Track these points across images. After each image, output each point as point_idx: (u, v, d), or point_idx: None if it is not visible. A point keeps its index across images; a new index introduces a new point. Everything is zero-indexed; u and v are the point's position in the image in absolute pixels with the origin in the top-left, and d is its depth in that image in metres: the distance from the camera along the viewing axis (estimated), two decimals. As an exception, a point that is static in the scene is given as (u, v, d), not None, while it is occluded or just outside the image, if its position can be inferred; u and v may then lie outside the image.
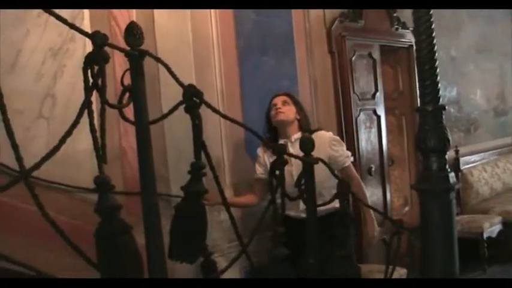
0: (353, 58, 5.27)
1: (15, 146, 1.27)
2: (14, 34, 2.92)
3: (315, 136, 3.61)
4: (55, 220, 1.51)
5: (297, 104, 3.93)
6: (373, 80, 5.56)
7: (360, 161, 5.22)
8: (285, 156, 2.09)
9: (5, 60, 2.88)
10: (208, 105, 1.71)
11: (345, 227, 2.44)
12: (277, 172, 2.01)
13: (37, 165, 1.34)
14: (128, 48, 1.52)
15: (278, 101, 3.87)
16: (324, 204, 2.46)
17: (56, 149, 1.39)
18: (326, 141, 3.81)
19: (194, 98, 1.63)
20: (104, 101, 1.41)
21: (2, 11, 2.76)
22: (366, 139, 5.40)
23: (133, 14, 3.45)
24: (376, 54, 5.62)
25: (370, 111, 5.50)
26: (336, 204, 3.01)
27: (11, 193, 1.40)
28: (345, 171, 3.82)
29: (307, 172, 2.16)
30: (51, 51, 3.02)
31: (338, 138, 3.97)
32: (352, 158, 3.93)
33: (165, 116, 1.71)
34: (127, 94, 1.58)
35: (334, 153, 3.79)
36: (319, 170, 2.38)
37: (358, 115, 5.28)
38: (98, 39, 1.37)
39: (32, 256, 1.72)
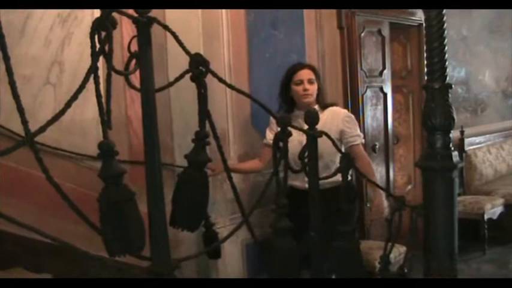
0: (362, 34, 5.24)
1: (21, 110, 1.28)
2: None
3: (331, 110, 3.81)
4: (61, 186, 1.52)
5: (319, 78, 3.87)
6: (381, 58, 5.53)
7: (364, 138, 5.21)
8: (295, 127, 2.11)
9: (15, 25, 2.89)
10: (215, 75, 1.71)
11: (349, 202, 2.45)
12: (280, 144, 2.02)
13: (42, 129, 1.35)
14: (136, 15, 1.52)
15: (304, 77, 3.79)
16: (326, 178, 2.46)
17: (61, 113, 1.40)
18: (340, 116, 3.79)
19: (200, 67, 1.63)
20: (110, 67, 1.42)
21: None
22: (372, 116, 5.40)
23: (143, -17, 3.44)
24: (386, 32, 5.58)
25: (377, 88, 5.49)
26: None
27: (19, 159, 1.42)
28: (353, 149, 3.72)
29: (311, 145, 2.17)
30: (59, 18, 3.02)
31: (353, 116, 3.93)
32: (363, 140, 3.87)
33: (171, 84, 1.72)
34: (134, 61, 1.58)
35: (346, 129, 3.74)
36: (328, 143, 2.41)
37: (365, 92, 5.27)
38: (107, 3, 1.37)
39: (37, 221, 1.74)
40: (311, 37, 4.71)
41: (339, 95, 5.00)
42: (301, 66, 3.87)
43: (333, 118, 3.76)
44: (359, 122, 5.04)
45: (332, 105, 3.89)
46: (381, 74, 5.52)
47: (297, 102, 3.82)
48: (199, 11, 3.73)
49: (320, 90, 3.84)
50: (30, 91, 2.97)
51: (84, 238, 1.84)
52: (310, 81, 3.76)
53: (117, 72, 1.46)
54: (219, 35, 3.93)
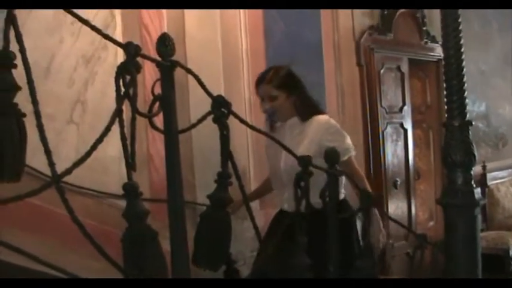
0: (381, 71, 5.27)
1: (48, 152, 1.31)
2: (49, 41, 3.00)
3: (311, 121, 3.27)
4: (83, 224, 1.54)
5: (284, 88, 3.28)
6: (401, 94, 5.56)
7: (385, 174, 5.21)
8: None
9: (40, 66, 2.95)
10: (236, 116, 1.74)
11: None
12: (302, 184, 2.03)
13: (68, 171, 1.37)
14: (159, 58, 1.55)
15: (264, 95, 3.32)
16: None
17: (87, 155, 1.42)
18: (322, 127, 3.25)
19: (222, 109, 1.66)
20: (134, 110, 1.45)
21: (37, 19, 2.84)
22: (392, 152, 5.40)
23: (164, 23, 3.51)
24: (405, 68, 5.61)
25: (397, 124, 5.50)
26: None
27: (42, 196, 1.44)
28: (343, 165, 3.04)
29: (332, 184, 2.17)
30: (83, 59, 3.09)
31: (337, 125, 3.35)
32: (354, 152, 3.32)
33: (193, 126, 1.75)
34: (157, 103, 1.61)
35: (329, 143, 3.03)
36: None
37: (385, 128, 5.28)
38: (131, 49, 1.41)
39: (59, 258, 1.76)
40: (330, 74, 4.75)
41: (359, 131, 5.01)
42: (259, 80, 3.36)
43: (313, 131, 3.24)
44: (379, 158, 5.04)
45: (317, 113, 3.35)
46: (401, 110, 5.54)
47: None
48: (220, 49, 3.79)
49: (295, 99, 3.30)
50: (53, 129, 3.02)
51: (105, 275, 1.86)
52: (270, 98, 3.28)
53: (141, 114, 1.49)
54: (239, 72, 3.98)
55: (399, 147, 5.52)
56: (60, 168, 1.39)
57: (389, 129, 5.35)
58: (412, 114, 5.78)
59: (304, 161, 2.05)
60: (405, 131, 5.59)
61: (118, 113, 1.41)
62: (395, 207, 5.37)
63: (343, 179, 3.04)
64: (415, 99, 6.08)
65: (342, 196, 3.18)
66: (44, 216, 2.90)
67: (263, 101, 3.32)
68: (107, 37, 1.40)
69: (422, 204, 6.19)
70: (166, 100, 1.54)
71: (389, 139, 5.35)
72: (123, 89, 1.44)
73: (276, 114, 3.33)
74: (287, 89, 3.28)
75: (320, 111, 3.40)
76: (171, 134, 1.56)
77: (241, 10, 4.03)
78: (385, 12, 5.42)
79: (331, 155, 2.24)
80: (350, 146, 3.28)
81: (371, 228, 3.15)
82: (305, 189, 2.04)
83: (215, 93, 1.70)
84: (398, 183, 5.44)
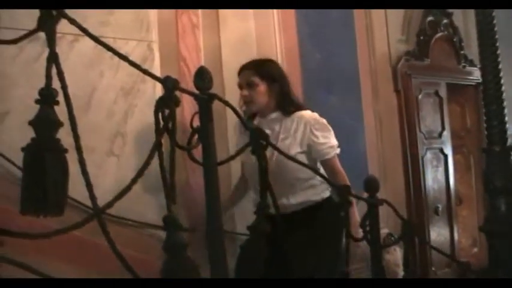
0: (419, 96, 5.24)
1: (89, 186, 1.33)
2: (90, 74, 3.05)
3: (294, 117, 3.06)
4: (123, 254, 1.56)
5: (267, 77, 3.09)
6: (439, 119, 5.51)
7: (426, 201, 5.14)
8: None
9: (81, 99, 3.01)
10: (274, 147, 1.74)
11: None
12: (342, 214, 2.01)
13: (109, 205, 1.40)
14: (197, 91, 1.58)
15: (242, 81, 3.12)
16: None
17: (128, 189, 1.45)
18: (307, 123, 3.04)
19: (260, 140, 1.67)
20: (173, 144, 1.47)
21: (79, 54, 2.91)
22: (433, 178, 5.33)
23: (201, 55, 3.56)
24: (443, 92, 5.57)
25: (437, 149, 5.44)
26: (314, 196, 2.91)
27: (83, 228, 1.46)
28: (326, 164, 3.01)
29: (372, 213, 2.16)
30: (122, 91, 3.13)
31: (323, 121, 3.10)
32: (338, 150, 3.09)
33: (232, 158, 1.76)
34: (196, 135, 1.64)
35: (314, 139, 2.99)
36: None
37: (425, 154, 5.22)
38: (169, 83, 1.43)
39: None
40: (367, 101, 4.73)
41: (398, 158, 4.97)
42: (242, 67, 3.18)
43: (301, 126, 3.04)
44: (419, 184, 4.98)
45: (300, 109, 3.12)
46: (440, 135, 5.48)
47: None
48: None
49: (277, 92, 3.10)
50: (94, 161, 3.06)
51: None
52: (249, 85, 3.08)
53: (181, 147, 1.51)
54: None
55: (439, 173, 5.45)
56: (101, 199, 1.42)
57: (428, 155, 5.29)
58: (452, 139, 5.70)
59: (344, 191, 2.04)
60: (445, 156, 5.52)
61: (157, 146, 1.43)
62: (437, 234, 5.28)
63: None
64: (454, 124, 6.01)
65: (326, 194, 3.06)
66: (83, 246, 2.93)
67: (242, 89, 3.11)
68: (145, 72, 1.43)
69: (465, 230, 6.07)
70: (205, 133, 1.56)
71: (429, 165, 5.29)
72: (162, 123, 1.47)
73: (253, 104, 3.08)
74: (269, 79, 3.09)
75: (303, 107, 3.17)
76: (210, 166, 1.58)
77: (278, 39, 4.06)
78: (421, 38, 5.40)
79: (372, 184, 2.22)
80: (334, 143, 3.08)
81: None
82: (346, 219, 2.03)
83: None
84: (440, 209, 5.36)
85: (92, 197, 1.36)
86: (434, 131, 5.41)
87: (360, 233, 2.71)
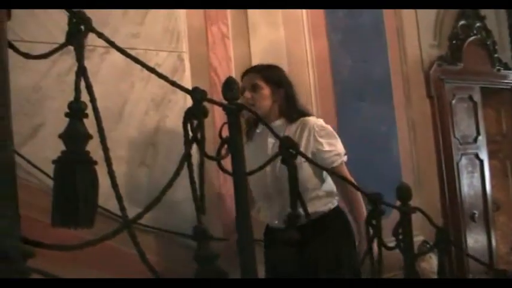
0: (453, 101, 5.17)
1: (119, 198, 1.34)
2: (121, 86, 3.08)
3: (299, 124, 2.95)
4: (153, 263, 1.57)
5: (272, 81, 3.00)
6: (474, 123, 5.43)
7: (462, 207, 5.07)
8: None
9: (112, 111, 3.04)
10: (304, 156, 1.74)
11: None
12: (373, 222, 1.99)
13: (139, 216, 1.40)
14: (226, 102, 1.58)
15: (246, 84, 3.00)
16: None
17: (157, 200, 1.45)
18: (310, 130, 2.90)
19: (290, 150, 1.66)
20: (203, 154, 1.47)
21: (110, 66, 2.94)
22: (468, 184, 5.25)
23: (231, 65, 3.57)
24: (477, 97, 5.49)
25: (472, 155, 5.36)
26: (322, 207, 2.84)
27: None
28: (333, 173, 2.85)
29: (404, 221, 2.13)
30: (153, 102, 3.15)
31: (328, 127, 2.99)
32: (345, 157, 2.97)
33: (261, 168, 1.76)
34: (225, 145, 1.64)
35: (319, 146, 2.86)
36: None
37: (460, 160, 5.15)
38: (197, 94, 1.43)
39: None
40: (400, 107, 4.69)
41: (433, 164, 4.91)
42: (246, 70, 3.11)
43: (306, 133, 2.91)
44: (455, 191, 4.91)
45: (304, 115, 3.00)
46: (475, 140, 5.40)
47: None
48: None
49: (281, 97, 3.00)
50: (126, 172, 3.08)
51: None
52: (253, 88, 2.97)
53: (210, 158, 1.51)
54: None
55: (475, 179, 5.36)
56: (133, 209, 1.43)
57: (464, 161, 5.22)
58: (487, 144, 5.61)
59: (375, 199, 2.02)
60: (481, 161, 5.43)
61: (186, 157, 1.43)
62: (474, 241, 5.19)
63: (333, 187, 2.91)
64: (490, 129, 5.92)
65: (335, 203, 3.00)
66: (114, 254, 2.95)
67: (244, 91, 2.96)
68: (173, 83, 1.43)
69: (503, 237, 5.96)
70: (234, 143, 1.55)
71: (464, 170, 5.21)
72: (191, 134, 1.47)
73: (255, 108, 2.86)
74: (274, 84, 2.99)
75: (308, 113, 3.07)
76: (240, 176, 1.57)
77: (308, 46, 4.06)
78: (454, 42, 5.34)
79: (404, 191, 2.19)
80: (343, 150, 2.96)
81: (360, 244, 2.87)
82: (378, 228, 2.00)
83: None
84: (476, 215, 5.27)
85: (122, 208, 1.37)
86: (469, 136, 5.33)
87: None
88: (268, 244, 2.97)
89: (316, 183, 2.79)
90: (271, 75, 3.00)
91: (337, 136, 2.97)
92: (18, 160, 2.56)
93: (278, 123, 2.95)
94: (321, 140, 2.87)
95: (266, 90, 2.95)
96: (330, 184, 2.97)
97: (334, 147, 2.91)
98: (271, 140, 2.83)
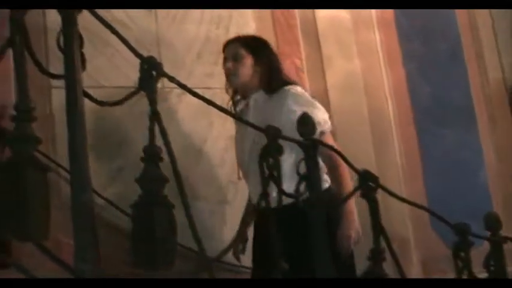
0: (542, 124, 4.95)
1: (198, 239, 1.34)
2: (200, 125, 3.14)
3: (279, 93, 2.77)
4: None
5: (255, 51, 2.85)
6: None
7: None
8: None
9: (192, 149, 3.09)
10: (385, 189, 1.69)
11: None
12: (462, 254, 1.91)
13: (220, 256, 1.40)
14: (301, 138, 1.56)
15: (228, 54, 2.87)
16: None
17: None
18: (287, 98, 2.71)
19: (370, 183, 1.62)
20: (280, 191, 1.46)
21: (188, 106, 2.98)
22: None
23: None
24: None
25: None
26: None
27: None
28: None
29: (495, 252, 2.02)
30: (232, 140, 3.17)
31: (307, 95, 2.84)
32: (329, 126, 2.72)
33: (341, 202, 1.73)
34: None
35: (290, 116, 2.43)
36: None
37: (554, 187, 4.90)
38: (271, 131, 1.43)
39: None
40: (484, 131, 4.52)
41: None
42: (228, 41, 2.96)
43: (282, 101, 2.71)
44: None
45: (285, 84, 2.81)
46: None
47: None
48: (367, 117, 3.77)
49: (262, 67, 2.83)
50: (207, 209, 3.10)
51: None
52: (234, 57, 2.82)
53: (289, 196, 1.50)
54: (388, 139, 3.92)
55: None
56: (215, 247, 1.43)
57: (558, 187, 4.95)
58: None
59: (463, 229, 1.94)
60: None
61: (263, 195, 1.42)
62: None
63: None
64: None
65: (325, 185, 2.44)
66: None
67: (227, 61, 2.85)
68: (246, 122, 1.44)
69: None
70: (312, 179, 1.53)
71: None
72: (267, 171, 1.46)
73: (236, 77, 2.80)
74: (256, 54, 2.84)
75: (291, 82, 2.88)
76: (317, 213, 1.55)
77: (385, 76, 4.01)
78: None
79: (493, 220, 2.09)
80: (323, 118, 2.67)
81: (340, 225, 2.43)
82: (466, 260, 1.91)
83: (366, 164, 1.67)
84: None
85: (201, 249, 1.36)
86: None
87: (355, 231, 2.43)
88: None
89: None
90: (254, 44, 2.88)
91: (316, 104, 2.76)
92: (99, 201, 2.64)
93: (257, 95, 2.81)
94: (299, 108, 2.49)
95: (248, 60, 2.82)
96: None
97: (315, 116, 2.28)
98: (252, 109, 2.74)
